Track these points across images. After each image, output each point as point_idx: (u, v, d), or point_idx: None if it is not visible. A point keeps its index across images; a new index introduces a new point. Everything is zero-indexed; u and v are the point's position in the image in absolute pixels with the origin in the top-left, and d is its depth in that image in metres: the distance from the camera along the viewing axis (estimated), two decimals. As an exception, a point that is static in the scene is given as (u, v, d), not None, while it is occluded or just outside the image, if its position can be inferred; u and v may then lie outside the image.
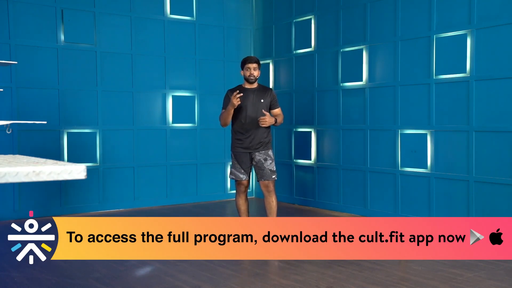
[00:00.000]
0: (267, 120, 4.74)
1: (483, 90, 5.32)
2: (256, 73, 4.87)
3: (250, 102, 4.85)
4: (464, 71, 5.46)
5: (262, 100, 4.85)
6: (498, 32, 5.18)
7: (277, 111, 5.00)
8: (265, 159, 4.86)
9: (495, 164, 5.22)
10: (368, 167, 6.47)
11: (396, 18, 6.12)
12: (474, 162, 5.38)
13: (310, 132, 7.27)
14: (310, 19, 7.24)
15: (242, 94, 4.70)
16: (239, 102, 4.68)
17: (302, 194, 7.41)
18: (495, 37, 5.22)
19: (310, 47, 7.26)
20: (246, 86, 4.94)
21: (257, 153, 4.87)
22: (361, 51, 6.54)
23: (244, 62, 4.87)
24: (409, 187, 6.01)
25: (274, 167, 4.90)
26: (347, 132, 6.74)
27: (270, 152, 4.92)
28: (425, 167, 5.83)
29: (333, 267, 4.24)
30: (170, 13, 7.51)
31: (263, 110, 4.82)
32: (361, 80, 6.54)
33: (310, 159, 7.27)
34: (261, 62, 7.96)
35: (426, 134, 5.82)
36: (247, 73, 4.86)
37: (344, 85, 6.76)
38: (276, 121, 4.88)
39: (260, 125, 4.78)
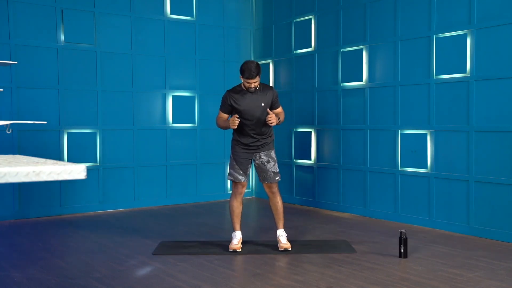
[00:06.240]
0: (274, 119, 4.61)
1: (483, 90, 5.32)
2: (256, 84, 4.67)
3: (250, 103, 4.73)
4: (464, 71, 5.46)
5: (263, 104, 4.72)
6: (498, 32, 5.18)
7: (279, 110, 4.89)
8: (268, 161, 4.82)
9: (495, 164, 5.22)
10: (368, 167, 6.47)
11: (396, 18, 6.12)
12: (474, 162, 5.38)
13: (310, 132, 7.26)
14: (310, 19, 7.24)
15: (239, 120, 4.65)
16: (235, 127, 4.67)
17: (302, 194, 7.41)
18: (495, 37, 5.22)
19: (310, 47, 7.26)
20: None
21: (259, 155, 4.82)
22: (361, 51, 6.54)
23: (243, 75, 4.63)
24: (409, 187, 6.01)
25: (277, 168, 4.86)
26: (347, 132, 6.74)
27: (273, 153, 4.87)
28: (425, 167, 5.83)
29: (333, 267, 4.24)
30: (170, 13, 7.51)
31: (267, 110, 4.70)
32: (361, 80, 6.54)
33: (310, 159, 7.27)
34: (261, 62, 7.96)
35: (426, 134, 5.82)
36: (247, 85, 4.67)
37: (344, 85, 6.76)
38: (279, 120, 4.78)
39: (269, 124, 4.66)
